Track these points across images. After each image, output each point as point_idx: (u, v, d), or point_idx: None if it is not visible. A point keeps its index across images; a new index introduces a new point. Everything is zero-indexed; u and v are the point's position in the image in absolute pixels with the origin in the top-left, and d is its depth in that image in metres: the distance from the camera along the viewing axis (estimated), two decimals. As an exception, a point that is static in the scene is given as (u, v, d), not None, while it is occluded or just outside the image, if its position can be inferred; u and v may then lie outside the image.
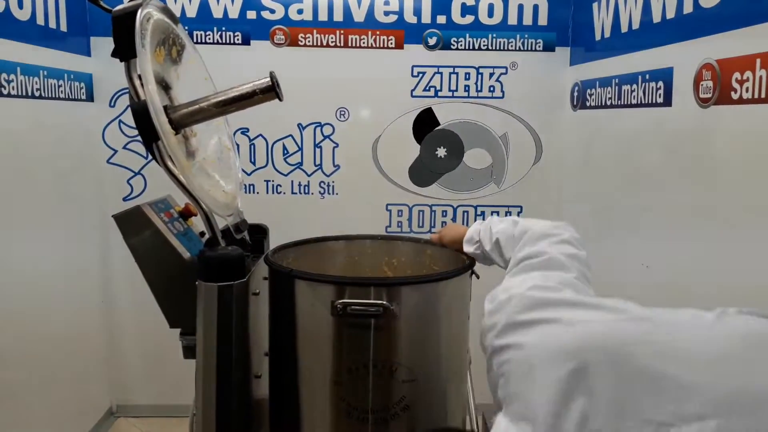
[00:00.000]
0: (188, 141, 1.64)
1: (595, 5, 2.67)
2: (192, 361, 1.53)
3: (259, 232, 1.90)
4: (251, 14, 2.92)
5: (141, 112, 1.39)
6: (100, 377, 3.09)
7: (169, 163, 1.44)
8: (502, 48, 2.98)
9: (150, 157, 1.65)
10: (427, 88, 3.02)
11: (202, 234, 1.74)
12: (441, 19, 2.97)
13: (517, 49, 2.98)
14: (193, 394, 1.52)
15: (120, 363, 3.16)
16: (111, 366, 3.14)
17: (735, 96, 1.66)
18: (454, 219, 3.14)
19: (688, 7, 1.93)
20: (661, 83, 2.08)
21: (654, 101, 2.12)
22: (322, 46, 2.95)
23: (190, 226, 1.74)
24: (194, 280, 1.49)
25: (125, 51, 1.43)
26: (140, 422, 3.13)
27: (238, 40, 2.93)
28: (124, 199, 2.97)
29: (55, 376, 2.61)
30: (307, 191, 3.08)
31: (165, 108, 1.48)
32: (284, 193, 3.08)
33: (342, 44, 2.96)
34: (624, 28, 2.39)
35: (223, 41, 2.92)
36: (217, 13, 2.91)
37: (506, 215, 3.09)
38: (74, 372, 2.78)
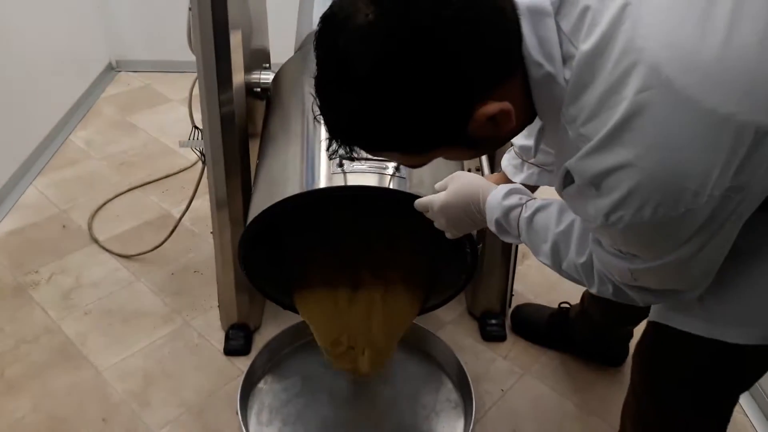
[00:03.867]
0: None
1: None
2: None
3: None
4: None
5: None
6: (97, 33, 3.05)
7: None
8: None
9: None
10: None
11: None
12: None
13: None
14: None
15: (116, 17, 3.08)
16: (107, 19, 3.07)
17: None
18: None
19: None
20: None
21: None
22: None
23: None
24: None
25: None
26: (141, 76, 3.18)
27: None
28: None
29: (51, 32, 2.57)
30: None
31: None
32: None
33: None
34: None
35: None
36: None
37: None
38: (70, 27, 2.73)
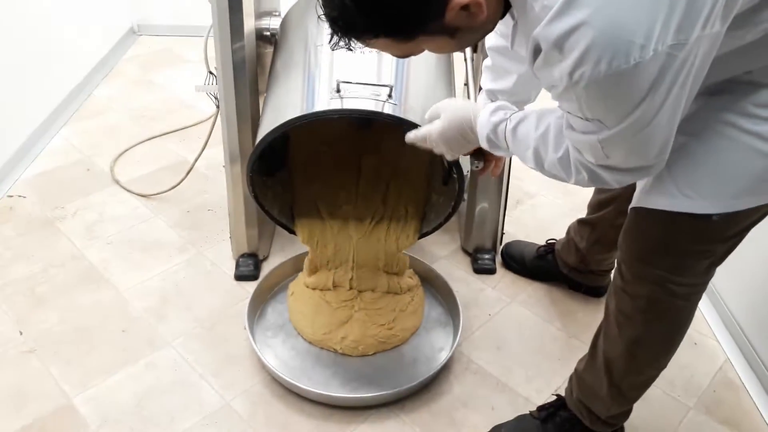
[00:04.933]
0: None
1: None
2: None
3: None
4: None
5: None
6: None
7: None
8: None
9: None
10: None
11: None
12: None
13: None
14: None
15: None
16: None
17: None
18: None
19: None
20: None
21: None
22: None
23: None
24: None
25: None
26: (161, 39, 3.33)
27: None
28: None
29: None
30: None
31: None
32: None
33: None
34: None
35: None
36: None
37: None
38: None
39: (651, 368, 1.27)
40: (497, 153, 1.17)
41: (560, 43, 0.78)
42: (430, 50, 0.94)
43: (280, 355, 1.60)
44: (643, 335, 1.20)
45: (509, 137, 1.09)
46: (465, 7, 0.83)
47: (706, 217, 1.01)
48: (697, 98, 0.92)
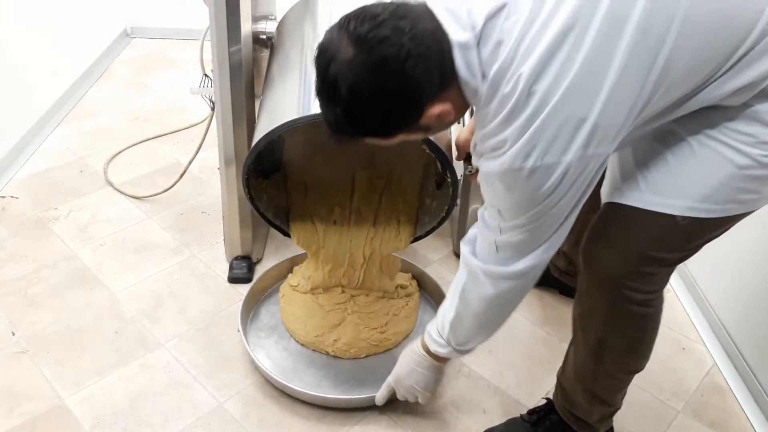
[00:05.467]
0: None
1: None
2: None
3: None
4: None
5: None
6: (113, 1, 3.19)
7: None
8: None
9: None
10: None
11: None
12: None
13: None
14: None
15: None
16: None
17: None
18: None
19: None
20: None
21: None
22: None
23: None
24: None
25: None
26: (154, 42, 3.33)
27: None
28: None
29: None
30: None
31: None
32: None
33: None
34: None
35: None
36: None
37: None
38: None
39: (620, 371, 1.28)
40: (455, 356, 1.36)
41: (493, 149, 0.99)
42: (407, 139, 1.06)
43: (273, 356, 1.61)
44: (605, 338, 1.22)
45: (450, 330, 1.29)
46: (437, 115, 0.98)
47: (670, 219, 1.04)
48: (670, 120, 1.03)
